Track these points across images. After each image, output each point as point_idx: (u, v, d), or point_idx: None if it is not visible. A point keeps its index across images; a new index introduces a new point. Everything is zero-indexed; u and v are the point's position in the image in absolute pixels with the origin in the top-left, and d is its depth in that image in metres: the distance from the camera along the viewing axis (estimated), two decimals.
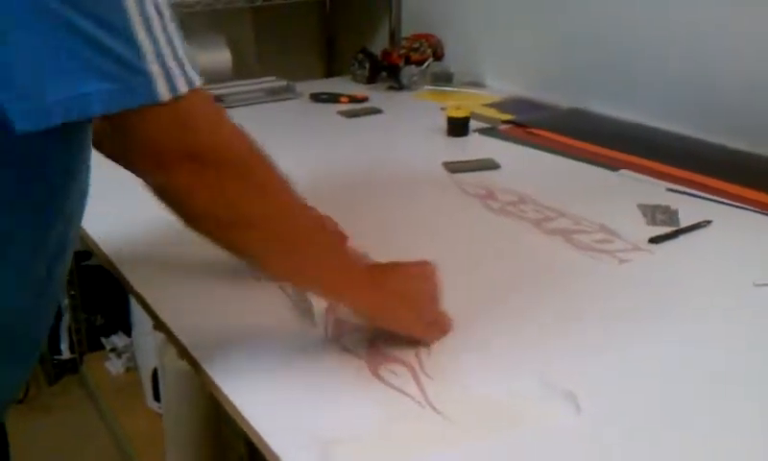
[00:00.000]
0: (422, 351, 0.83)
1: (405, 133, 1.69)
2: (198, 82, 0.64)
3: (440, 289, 0.85)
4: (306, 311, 0.90)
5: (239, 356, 0.82)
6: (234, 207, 0.68)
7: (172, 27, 0.63)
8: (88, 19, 0.57)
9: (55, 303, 0.82)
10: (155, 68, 0.61)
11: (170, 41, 0.62)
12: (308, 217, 0.76)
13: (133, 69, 0.60)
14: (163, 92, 0.61)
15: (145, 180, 0.67)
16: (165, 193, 0.67)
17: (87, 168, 0.76)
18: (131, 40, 0.59)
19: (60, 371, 2.40)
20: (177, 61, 0.62)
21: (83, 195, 0.77)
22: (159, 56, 0.61)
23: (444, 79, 2.08)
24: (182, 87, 0.62)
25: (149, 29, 0.60)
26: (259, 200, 0.70)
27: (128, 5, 0.59)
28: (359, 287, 0.81)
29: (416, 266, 0.87)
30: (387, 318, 0.83)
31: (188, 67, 0.63)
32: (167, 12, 0.63)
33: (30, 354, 0.81)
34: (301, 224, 0.75)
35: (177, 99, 0.62)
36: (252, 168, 0.69)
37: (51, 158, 0.69)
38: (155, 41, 0.61)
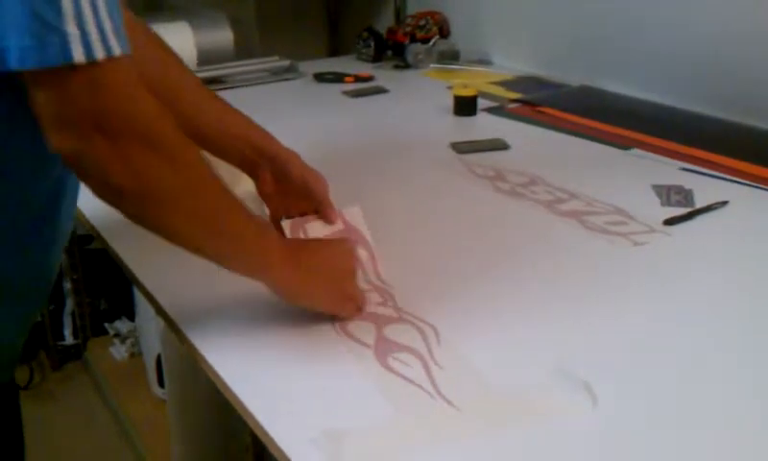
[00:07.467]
0: (432, 339, 0.80)
1: (411, 112, 1.65)
2: (118, 51, 0.63)
3: (356, 266, 0.88)
4: None
5: (241, 345, 0.80)
6: (145, 179, 0.67)
7: None
8: None
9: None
10: (72, 29, 0.60)
11: (93, 5, 0.61)
12: (223, 195, 0.74)
13: (50, 27, 0.59)
14: (78, 54, 0.61)
15: (60, 149, 0.65)
16: (79, 163, 0.66)
17: None
18: None
19: (64, 357, 2.39)
20: (98, 27, 0.62)
21: None
22: (79, 17, 0.61)
23: (451, 57, 2.04)
24: (99, 53, 0.62)
25: None
26: (172, 173, 0.68)
27: None
28: (276, 266, 0.79)
29: (334, 244, 0.91)
30: (304, 296, 0.82)
31: (110, 35, 0.63)
32: None
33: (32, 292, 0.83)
34: (215, 200, 0.74)
35: (92, 64, 0.61)
36: (165, 141, 0.68)
37: None
38: (76, 3, 0.60)
